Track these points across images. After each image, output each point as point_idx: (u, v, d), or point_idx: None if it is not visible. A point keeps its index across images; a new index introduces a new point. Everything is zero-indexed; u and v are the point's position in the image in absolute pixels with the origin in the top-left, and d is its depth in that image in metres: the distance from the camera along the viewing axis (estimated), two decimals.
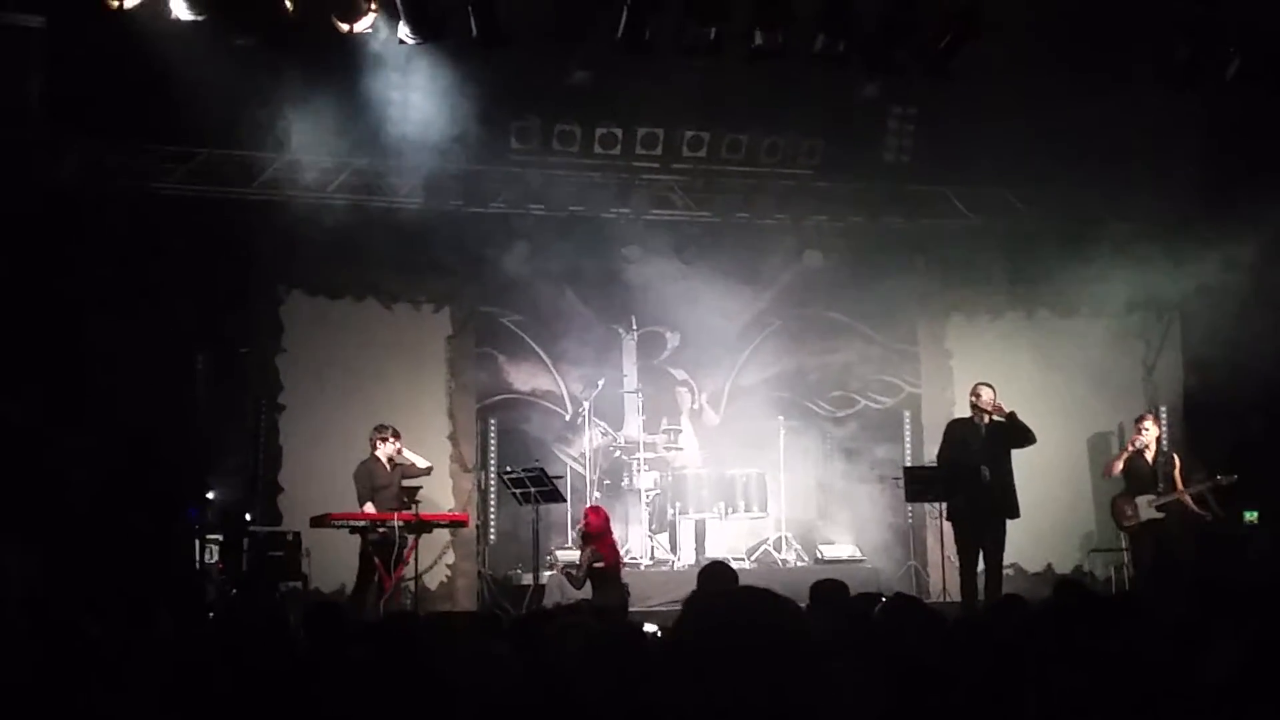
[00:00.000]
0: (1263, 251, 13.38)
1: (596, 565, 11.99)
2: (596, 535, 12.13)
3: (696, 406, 15.21)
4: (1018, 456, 12.22)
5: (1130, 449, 13.25)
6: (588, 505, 13.05)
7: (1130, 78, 12.36)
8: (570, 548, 13.18)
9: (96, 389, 12.04)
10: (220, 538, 12.45)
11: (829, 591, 5.51)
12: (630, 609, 11.77)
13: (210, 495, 12.72)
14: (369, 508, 11.99)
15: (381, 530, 11.86)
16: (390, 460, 12.31)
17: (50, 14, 11.33)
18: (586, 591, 12.05)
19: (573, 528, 12.94)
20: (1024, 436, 11.84)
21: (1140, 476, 13.08)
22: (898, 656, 4.27)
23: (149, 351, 12.15)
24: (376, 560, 11.92)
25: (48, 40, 11.43)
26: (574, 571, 12.14)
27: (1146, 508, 12.90)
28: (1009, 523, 11.97)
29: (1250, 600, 5.21)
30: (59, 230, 12.01)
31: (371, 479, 12.16)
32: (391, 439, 12.29)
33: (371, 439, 12.31)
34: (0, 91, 11.42)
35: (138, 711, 4.39)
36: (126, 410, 11.99)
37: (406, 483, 12.35)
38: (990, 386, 12.06)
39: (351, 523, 11.87)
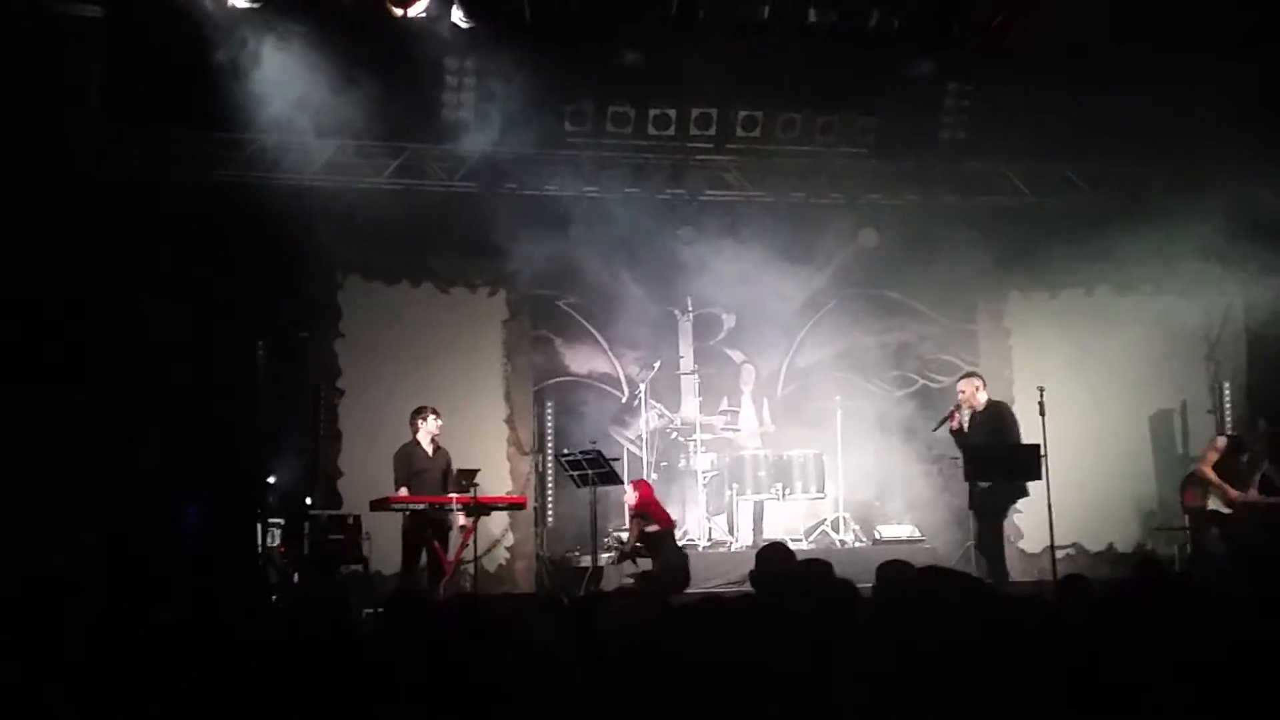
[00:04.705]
0: None
1: (650, 530, 11.99)
2: (646, 503, 12.18)
3: (752, 388, 15.12)
4: (1076, 429, 12.29)
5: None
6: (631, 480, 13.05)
7: (1188, 49, 12.19)
8: (627, 529, 13.18)
9: (159, 376, 12.18)
10: (282, 521, 12.55)
11: (894, 571, 5.47)
12: (688, 590, 11.79)
13: (271, 480, 12.83)
14: (403, 491, 11.99)
15: (415, 511, 11.89)
16: (434, 442, 12.31)
17: (109, 3, 11.43)
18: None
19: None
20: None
21: (1230, 473, 12.81)
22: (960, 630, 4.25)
23: (209, 338, 12.27)
24: (436, 543, 11.99)
25: (107, 30, 11.54)
26: (622, 546, 12.19)
27: (1215, 500, 12.71)
28: (1070, 500, 11.92)
29: None
30: (120, 219, 12.14)
31: (409, 463, 12.12)
32: (431, 416, 12.24)
33: (411, 421, 12.28)
34: (61, 82, 11.54)
35: (208, 694, 4.43)
36: (188, 397, 12.12)
37: (464, 466, 12.38)
38: (972, 378, 12.21)
39: (411, 506, 11.91)
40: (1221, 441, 13.11)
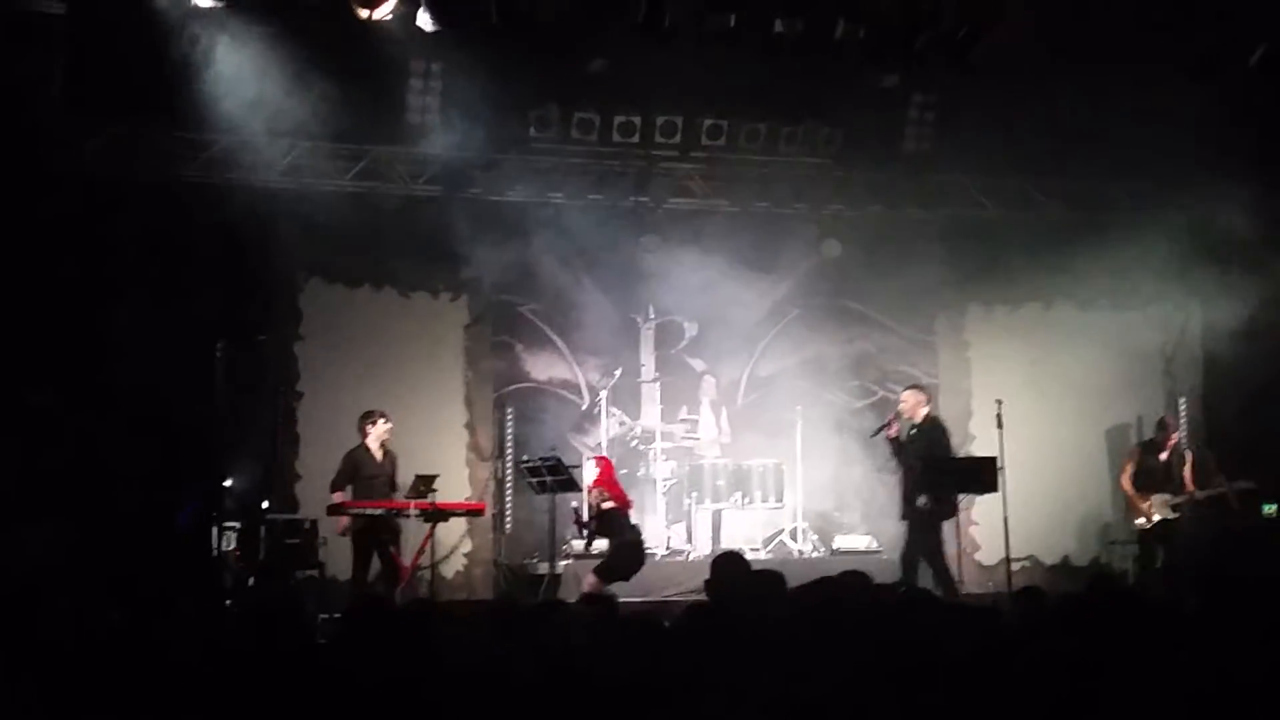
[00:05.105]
0: None
1: (605, 506, 11.84)
2: (606, 481, 12.01)
3: (712, 398, 15.10)
4: (1033, 442, 12.86)
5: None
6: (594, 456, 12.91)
7: (1153, 68, 12.28)
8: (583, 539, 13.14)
9: (117, 375, 12.07)
10: (237, 525, 12.45)
11: (850, 583, 5.49)
12: (644, 598, 11.76)
13: (228, 483, 12.73)
14: (338, 495, 11.93)
15: (368, 515, 11.82)
16: (383, 446, 12.24)
17: (71, 1, 11.34)
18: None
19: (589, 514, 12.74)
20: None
21: (1152, 474, 13.03)
22: (918, 647, 4.27)
23: (169, 338, 12.16)
24: (392, 549, 11.94)
25: (69, 27, 11.45)
26: (584, 520, 11.94)
27: (1162, 507, 12.85)
28: (1026, 513, 12.14)
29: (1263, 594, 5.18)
30: (81, 218, 12.04)
31: (357, 468, 12.05)
32: (381, 420, 12.17)
33: (360, 427, 12.18)
34: (23, 79, 11.45)
35: (159, 699, 4.40)
36: (145, 397, 12.01)
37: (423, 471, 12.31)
38: (917, 390, 12.30)
39: (367, 511, 11.84)
40: (1135, 451, 13.36)
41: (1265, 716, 4.05)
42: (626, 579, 11.47)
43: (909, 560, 11.75)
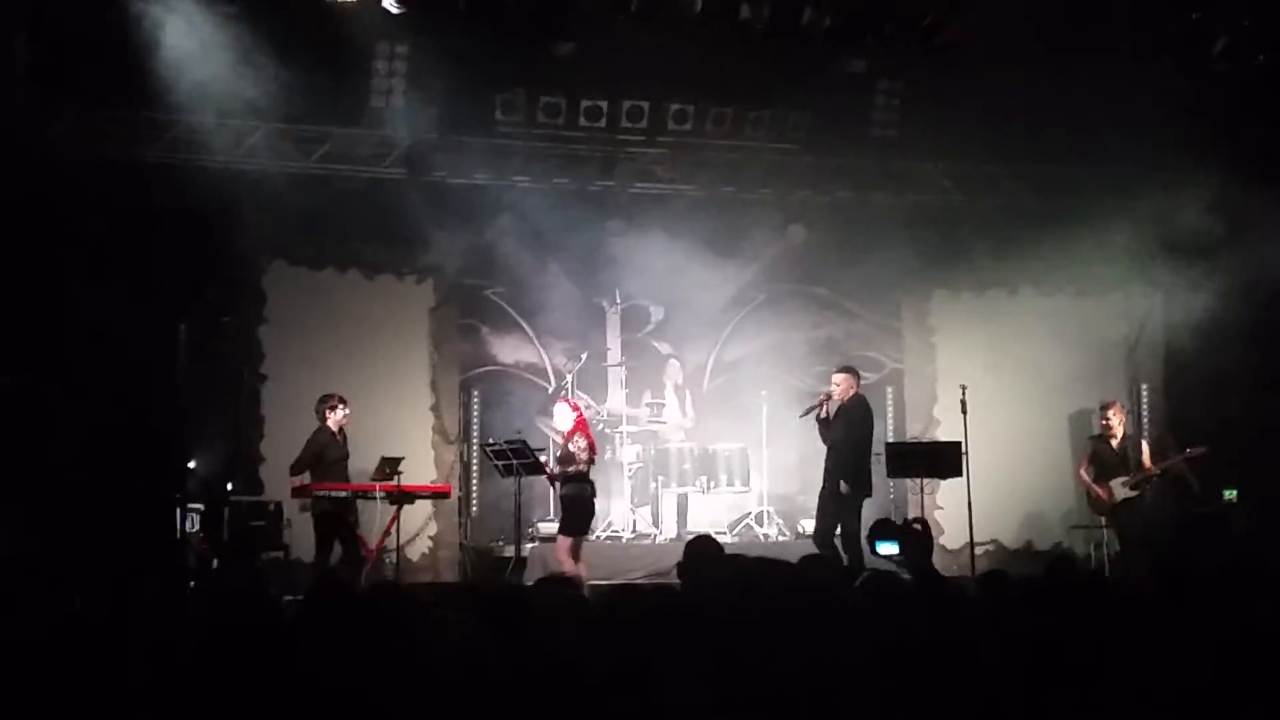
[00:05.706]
0: (1244, 232, 13.40)
1: (586, 455, 11.71)
2: (583, 425, 11.91)
3: (677, 381, 15.10)
4: (997, 428, 13.01)
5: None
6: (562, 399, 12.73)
7: (1119, 55, 12.34)
8: (551, 520, 13.16)
9: (78, 357, 11.98)
10: (201, 507, 12.41)
11: (815, 567, 5.52)
12: (610, 581, 11.77)
13: (191, 465, 12.67)
14: (296, 480, 11.87)
15: (334, 498, 11.80)
16: (341, 430, 12.19)
17: None
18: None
19: (555, 500, 12.69)
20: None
21: (1108, 464, 13.10)
22: (887, 630, 4.29)
23: (131, 319, 12.07)
24: (359, 532, 11.92)
25: (34, 5, 11.34)
26: (571, 466, 11.69)
27: (1120, 488, 12.95)
28: (990, 497, 12.23)
29: (1221, 583, 5.23)
30: (42, 196, 11.94)
31: (324, 451, 11.96)
32: (340, 405, 12.12)
33: (321, 411, 12.08)
34: None
35: (122, 682, 4.37)
36: (108, 379, 11.93)
37: (389, 454, 12.29)
38: (848, 373, 12.17)
39: (333, 494, 11.81)
40: (1087, 445, 13.47)
41: (1224, 696, 4.10)
42: (586, 531, 11.71)
43: (847, 540, 11.62)
